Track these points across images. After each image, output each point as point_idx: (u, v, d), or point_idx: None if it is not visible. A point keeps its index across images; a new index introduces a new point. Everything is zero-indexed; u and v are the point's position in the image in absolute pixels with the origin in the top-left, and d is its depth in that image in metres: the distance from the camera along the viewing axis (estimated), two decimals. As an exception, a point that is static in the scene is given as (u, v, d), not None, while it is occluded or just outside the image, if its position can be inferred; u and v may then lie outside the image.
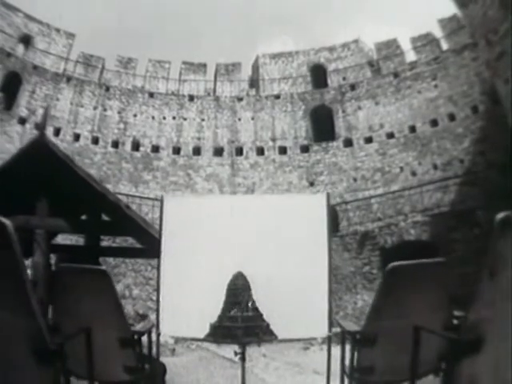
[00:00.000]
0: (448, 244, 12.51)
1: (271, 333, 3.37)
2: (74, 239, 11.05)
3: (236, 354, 3.35)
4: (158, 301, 3.81)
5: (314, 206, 3.91)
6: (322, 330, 3.68)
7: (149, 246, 5.52)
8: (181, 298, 3.79)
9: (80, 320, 2.24)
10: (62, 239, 9.80)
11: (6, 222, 1.42)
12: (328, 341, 3.61)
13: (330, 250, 3.86)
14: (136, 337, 2.53)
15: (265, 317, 3.50)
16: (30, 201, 5.52)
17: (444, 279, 2.21)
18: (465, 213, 13.38)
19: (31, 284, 1.45)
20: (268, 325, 3.42)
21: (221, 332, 3.32)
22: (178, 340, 10.20)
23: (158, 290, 3.80)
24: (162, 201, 3.97)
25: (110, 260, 12.61)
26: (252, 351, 8.61)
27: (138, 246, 7.34)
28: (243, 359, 3.33)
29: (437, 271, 2.25)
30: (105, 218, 6.24)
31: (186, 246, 3.87)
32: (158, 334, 3.56)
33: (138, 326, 2.78)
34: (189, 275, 3.84)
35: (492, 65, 11.95)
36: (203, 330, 3.54)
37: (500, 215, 1.39)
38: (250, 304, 3.51)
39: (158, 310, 3.74)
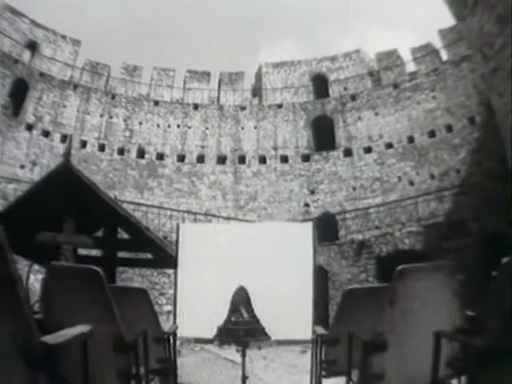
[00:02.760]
0: (440, 253, 13.31)
1: (266, 334, 4.34)
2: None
3: (238, 350, 4.33)
4: (174, 307, 4.81)
5: (302, 232, 4.90)
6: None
7: (164, 260, 6.51)
8: (194, 307, 4.79)
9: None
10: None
11: (98, 269, 2.40)
12: (311, 342, 4.56)
13: (315, 267, 4.84)
14: (166, 336, 3.52)
15: (261, 322, 4.48)
16: (57, 219, 6.48)
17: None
18: (457, 223, 14.07)
19: (115, 302, 2.41)
20: (263, 328, 4.40)
21: (226, 333, 4.29)
22: (183, 342, 11.07)
23: (174, 300, 4.79)
24: (178, 227, 4.97)
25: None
26: (253, 354, 9.32)
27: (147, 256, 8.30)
28: (244, 355, 4.31)
29: (381, 293, 3.23)
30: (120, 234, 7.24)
31: (198, 265, 4.87)
32: (175, 335, 4.53)
33: (167, 328, 3.76)
34: (200, 288, 4.83)
35: (487, 78, 12.60)
36: (212, 332, 4.53)
37: (398, 268, 2.37)
38: (249, 312, 4.48)
39: (175, 316, 4.73)
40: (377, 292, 3.15)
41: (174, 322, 4.67)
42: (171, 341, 3.88)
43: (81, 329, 1.74)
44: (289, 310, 4.69)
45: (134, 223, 6.10)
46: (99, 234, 7.82)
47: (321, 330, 3.50)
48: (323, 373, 3.43)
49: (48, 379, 1.45)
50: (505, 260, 1.85)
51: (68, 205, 6.38)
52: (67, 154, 6.63)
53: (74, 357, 1.75)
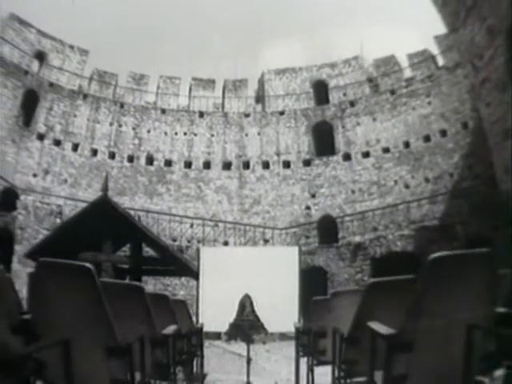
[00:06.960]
0: (429, 255, 14.90)
1: (264, 328, 6.35)
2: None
3: (243, 340, 6.35)
4: (197, 310, 6.85)
5: (291, 254, 6.94)
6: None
7: (184, 270, 8.52)
8: (210, 309, 6.83)
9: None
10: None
11: (166, 294, 4.37)
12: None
13: (301, 279, 6.86)
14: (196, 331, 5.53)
15: (261, 319, 6.50)
16: (97, 242, 8.42)
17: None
18: (446, 227, 15.72)
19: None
20: (262, 324, 6.41)
21: (235, 328, 6.31)
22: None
23: (197, 304, 6.82)
24: (198, 249, 6.99)
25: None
26: (258, 348, 11.03)
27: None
28: (248, 344, 6.32)
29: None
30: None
31: (214, 278, 6.91)
32: (202, 330, 6.52)
33: (198, 324, 5.79)
34: (215, 295, 6.87)
35: (476, 89, 13.54)
36: (224, 327, 6.55)
37: (332, 291, 4.38)
38: (252, 312, 6.51)
39: (197, 316, 6.77)
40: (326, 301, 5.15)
41: (197, 321, 6.69)
42: (201, 332, 5.91)
43: (173, 327, 3.51)
44: (281, 311, 6.70)
45: (163, 245, 8.11)
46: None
47: (298, 325, 5.50)
48: (300, 353, 5.45)
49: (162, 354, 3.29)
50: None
51: (107, 229, 8.34)
52: (105, 189, 8.58)
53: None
